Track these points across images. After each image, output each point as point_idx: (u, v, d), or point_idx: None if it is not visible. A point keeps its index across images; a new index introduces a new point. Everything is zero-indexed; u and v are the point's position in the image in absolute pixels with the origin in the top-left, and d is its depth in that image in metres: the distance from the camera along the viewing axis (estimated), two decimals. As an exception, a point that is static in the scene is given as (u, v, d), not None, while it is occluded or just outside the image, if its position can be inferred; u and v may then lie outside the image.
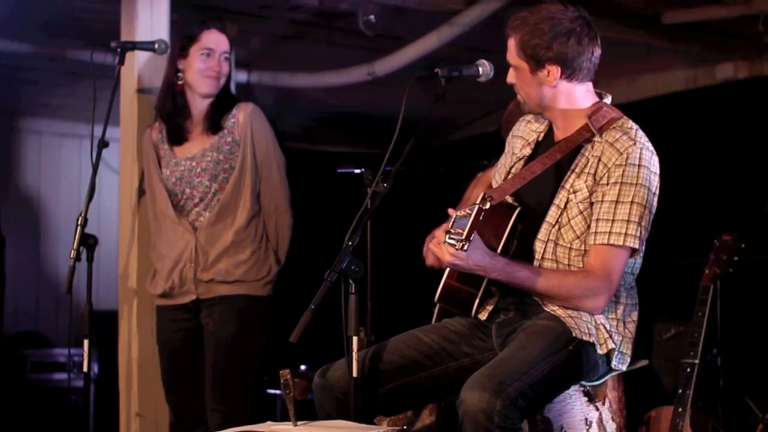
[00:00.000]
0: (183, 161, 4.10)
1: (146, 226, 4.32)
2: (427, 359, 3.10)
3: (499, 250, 2.98)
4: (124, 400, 4.59)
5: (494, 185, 3.25)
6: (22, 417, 5.98)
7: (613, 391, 3.15)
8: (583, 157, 3.07)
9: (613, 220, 2.99)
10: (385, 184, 3.01)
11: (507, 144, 3.34)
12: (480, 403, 2.72)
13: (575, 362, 2.96)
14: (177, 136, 4.13)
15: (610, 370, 3.09)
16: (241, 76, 6.09)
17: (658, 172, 3.06)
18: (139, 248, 4.48)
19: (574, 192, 3.05)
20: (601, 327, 3.02)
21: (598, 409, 3.10)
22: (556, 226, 3.06)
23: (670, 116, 6.21)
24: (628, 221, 2.98)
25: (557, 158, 3.07)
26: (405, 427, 3.26)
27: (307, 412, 2.99)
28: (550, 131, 3.21)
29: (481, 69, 3.20)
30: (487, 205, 2.79)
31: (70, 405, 6.04)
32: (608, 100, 3.18)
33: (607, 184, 3.01)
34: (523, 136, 3.27)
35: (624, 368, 3.10)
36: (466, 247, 2.75)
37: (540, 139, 3.23)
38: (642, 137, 3.05)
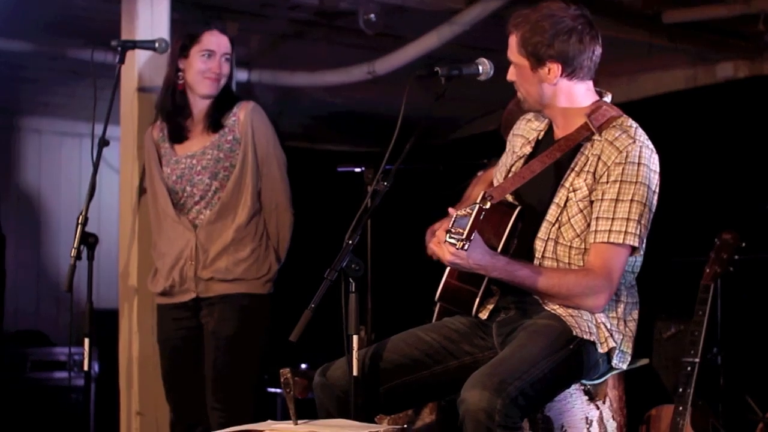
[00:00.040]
0: (183, 159, 4.10)
1: (147, 225, 4.32)
2: (428, 358, 3.10)
3: (499, 249, 2.98)
4: (125, 398, 4.59)
5: (495, 184, 3.25)
6: (23, 416, 5.98)
7: (613, 389, 3.15)
8: (582, 156, 3.07)
9: (613, 219, 2.99)
10: (385, 183, 3.01)
11: (508, 143, 3.34)
12: (481, 401, 2.73)
13: (576, 361, 2.96)
14: (178, 134, 4.13)
15: (611, 368, 3.09)
16: (242, 75, 6.08)
17: (657, 170, 3.06)
18: (140, 247, 4.48)
19: (574, 190, 3.05)
20: (602, 326, 3.02)
21: (598, 408, 3.10)
22: (556, 225, 3.06)
23: (671, 115, 6.21)
24: (628, 219, 2.99)
25: (557, 157, 3.07)
26: (405, 425, 3.26)
27: (307, 411, 2.99)
28: (550, 130, 3.22)
29: (481, 68, 3.20)
30: (488, 205, 2.79)
31: (70, 404, 6.04)
32: (608, 98, 3.18)
33: (607, 182, 3.01)
34: (523, 134, 3.28)
35: (624, 367, 3.10)
36: (466, 247, 2.75)
37: (540, 137, 3.23)
38: (641, 135, 3.05)
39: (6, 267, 6.02)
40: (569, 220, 3.05)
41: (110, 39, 4.26)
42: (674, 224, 5.11)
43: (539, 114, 3.24)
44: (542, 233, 3.07)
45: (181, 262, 4.05)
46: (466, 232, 2.75)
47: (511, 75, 3.15)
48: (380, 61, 5.88)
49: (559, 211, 3.06)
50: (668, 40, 5.84)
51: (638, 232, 3.00)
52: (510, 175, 3.20)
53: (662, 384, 4.93)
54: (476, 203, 2.81)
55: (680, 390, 3.89)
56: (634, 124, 3.08)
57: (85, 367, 3.88)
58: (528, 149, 3.23)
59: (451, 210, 2.99)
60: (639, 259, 3.10)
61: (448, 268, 3.04)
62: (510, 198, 3.13)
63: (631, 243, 2.99)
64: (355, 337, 2.91)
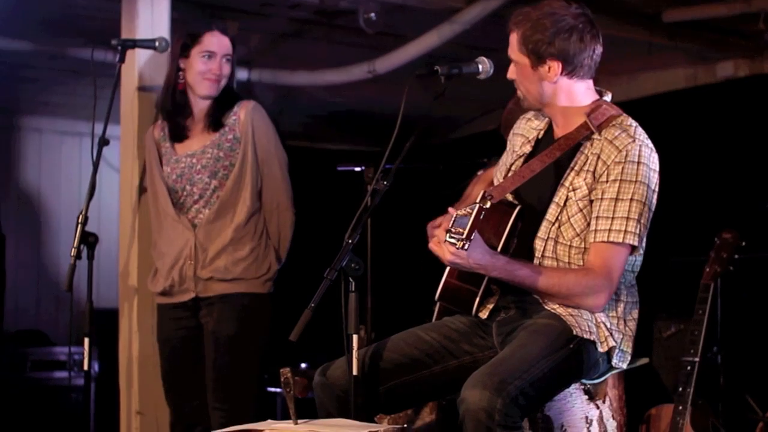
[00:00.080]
0: (183, 158, 4.10)
1: (147, 224, 4.32)
2: (428, 357, 3.10)
3: (499, 249, 2.98)
4: (125, 398, 4.59)
5: (495, 183, 3.25)
6: (23, 415, 5.98)
7: (613, 389, 3.15)
8: (582, 155, 3.07)
9: (612, 218, 2.99)
10: (385, 182, 3.01)
11: (508, 142, 3.34)
12: (481, 401, 2.72)
13: (576, 360, 2.96)
14: (178, 133, 4.13)
15: (611, 368, 3.09)
16: (242, 74, 6.08)
17: (657, 169, 3.06)
18: (140, 246, 4.48)
19: (574, 190, 3.05)
20: (602, 325, 3.02)
21: (598, 407, 3.10)
22: (556, 224, 3.06)
23: (671, 114, 6.21)
24: (627, 218, 2.98)
25: (557, 156, 3.07)
26: (405, 425, 3.26)
27: (307, 411, 2.99)
28: (550, 129, 3.22)
29: (481, 67, 3.19)
30: (488, 204, 2.79)
31: (70, 403, 6.04)
32: (608, 97, 3.18)
33: (607, 181, 3.01)
34: (523, 133, 3.28)
35: (624, 366, 3.10)
36: (466, 246, 2.75)
37: (540, 136, 3.23)
38: (641, 134, 3.05)
39: (6, 267, 6.02)
40: (569, 219, 3.05)
41: (110, 38, 4.26)
42: (674, 223, 5.11)
43: (539, 113, 3.24)
44: (542, 232, 3.07)
45: (180, 262, 4.05)
46: (466, 232, 2.74)
47: (512, 73, 3.15)
48: (380, 60, 5.88)
49: (558, 211, 3.06)
50: (668, 39, 5.84)
51: (638, 231, 3.00)
52: (510, 174, 3.20)
53: (662, 383, 4.93)
54: (476, 203, 2.81)
55: (680, 389, 3.89)
56: (634, 123, 3.08)
57: (85, 367, 3.88)
58: (528, 148, 3.23)
59: (451, 209, 2.99)
60: (639, 258, 3.10)
61: (448, 268, 3.04)
62: (510, 197, 3.13)
63: (631, 242, 2.99)
64: (354, 337, 2.91)
